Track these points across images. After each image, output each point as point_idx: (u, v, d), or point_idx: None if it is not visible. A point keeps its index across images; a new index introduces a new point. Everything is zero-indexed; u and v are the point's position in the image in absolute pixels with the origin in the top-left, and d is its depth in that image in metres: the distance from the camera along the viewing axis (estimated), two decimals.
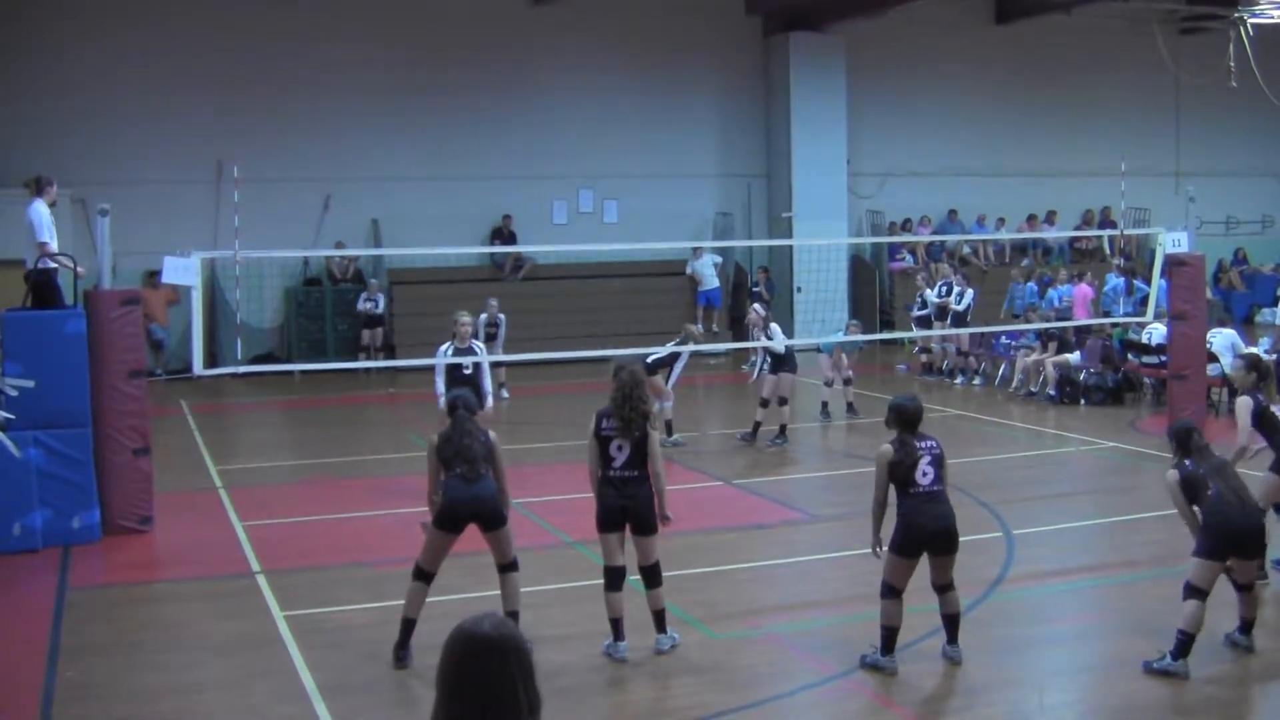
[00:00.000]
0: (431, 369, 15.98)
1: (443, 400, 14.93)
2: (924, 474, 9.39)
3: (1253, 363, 12.20)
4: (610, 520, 9.94)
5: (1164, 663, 9.28)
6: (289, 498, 16.32)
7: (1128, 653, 9.62)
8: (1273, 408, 11.63)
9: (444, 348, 15.50)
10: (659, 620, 10.14)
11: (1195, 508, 9.62)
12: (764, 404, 18.95)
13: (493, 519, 9.91)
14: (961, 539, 9.48)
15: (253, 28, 28.36)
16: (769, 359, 19.13)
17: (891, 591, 9.48)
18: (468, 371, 15.17)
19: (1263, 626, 10.08)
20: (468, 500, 9.81)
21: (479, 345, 15.60)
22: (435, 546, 9.91)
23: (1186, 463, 9.62)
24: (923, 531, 9.35)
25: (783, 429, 18.94)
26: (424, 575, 9.88)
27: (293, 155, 28.57)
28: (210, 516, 15.10)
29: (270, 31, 28.51)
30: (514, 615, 9.71)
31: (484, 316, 23.92)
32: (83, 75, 27.24)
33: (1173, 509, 9.81)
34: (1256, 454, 11.61)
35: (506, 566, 10.02)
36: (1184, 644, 9.28)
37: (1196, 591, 9.40)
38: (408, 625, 9.79)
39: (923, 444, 9.48)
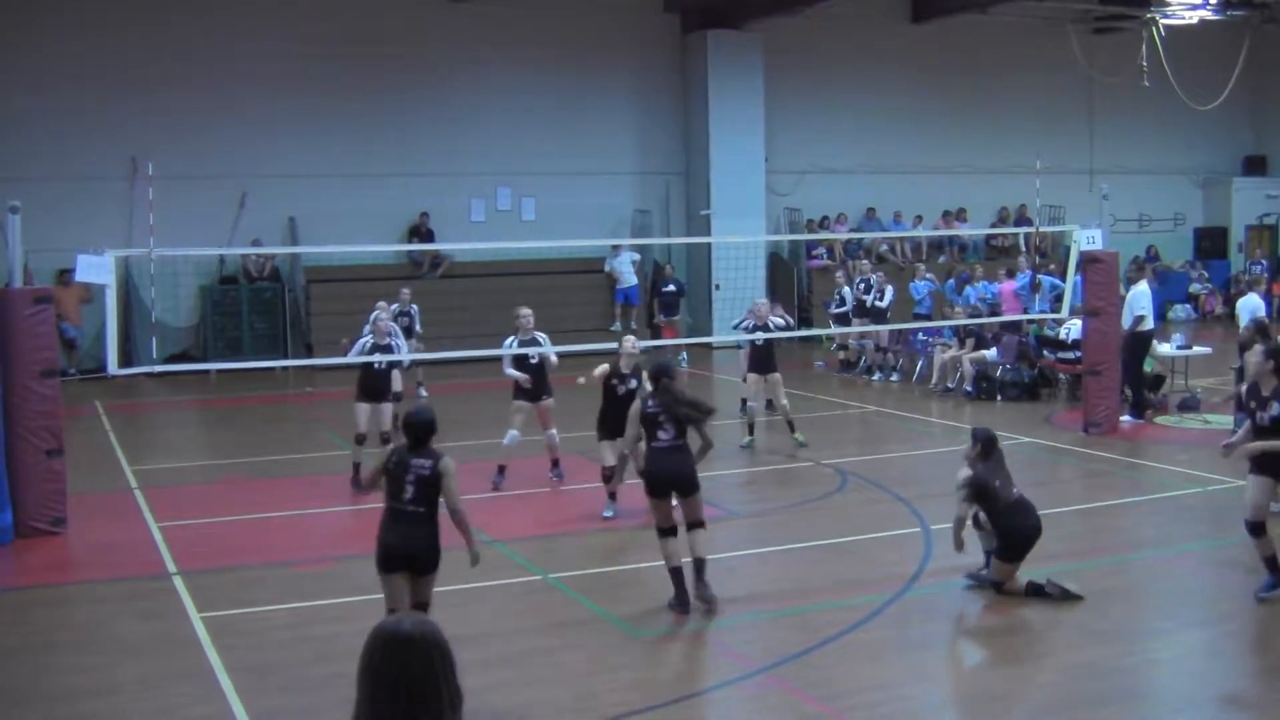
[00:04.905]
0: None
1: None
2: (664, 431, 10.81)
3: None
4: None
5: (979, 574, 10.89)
6: (206, 498, 16.11)
7: (1046, 646, 9.71)
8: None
9: (361, 342, 15.89)
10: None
11: (981, 515, 11.14)
12: None
13: (424, 565, 9.08)
14: (881, 534, 9.57)
15: (168, 23, 28.01)
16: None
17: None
18: (380, 368, 15.41)
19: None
20: (396, 544, 9.01)
21: (398, 340, 15.72)
22: (386, 593, 9.05)
23: (980, 466, 10.91)
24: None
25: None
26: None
27: (208, 152, 28.25)
28: (125, 517, 14.91)
29: (186, 26, 28.17)
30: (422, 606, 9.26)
31: (395, 306, 23.84)
32: None
33: (1093, 502, 9.93)
34: None
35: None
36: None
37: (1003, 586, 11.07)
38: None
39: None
